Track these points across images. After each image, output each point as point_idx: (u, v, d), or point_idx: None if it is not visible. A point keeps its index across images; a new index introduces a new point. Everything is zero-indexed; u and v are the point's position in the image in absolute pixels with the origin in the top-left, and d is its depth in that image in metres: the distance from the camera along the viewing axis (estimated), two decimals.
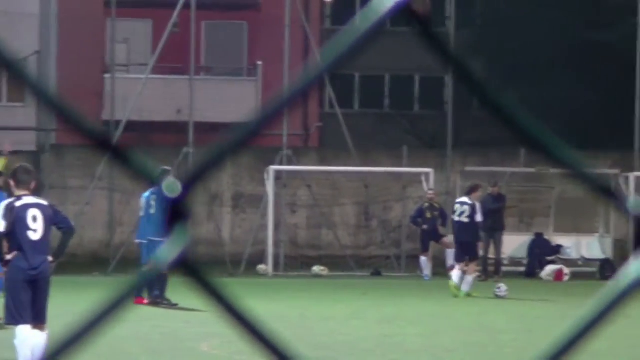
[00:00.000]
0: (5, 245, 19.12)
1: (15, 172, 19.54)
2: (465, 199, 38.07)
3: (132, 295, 1.42)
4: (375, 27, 1.29)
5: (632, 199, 1.21)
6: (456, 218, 37.93)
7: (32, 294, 18.14)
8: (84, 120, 1.28)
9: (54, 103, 1.26)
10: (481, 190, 39.02)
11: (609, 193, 1.23)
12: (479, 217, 37.94)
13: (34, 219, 18.81)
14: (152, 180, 1.32)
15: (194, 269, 1.32)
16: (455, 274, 37.18)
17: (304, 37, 53.39)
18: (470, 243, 37.43)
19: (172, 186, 1.27)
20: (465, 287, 36.31)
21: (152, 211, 31.61)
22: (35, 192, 19.75)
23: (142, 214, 32.99)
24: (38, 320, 18.25)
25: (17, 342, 18.18)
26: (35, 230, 18.81)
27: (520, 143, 1.33)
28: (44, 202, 19.66)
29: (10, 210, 18.96)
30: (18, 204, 18.92)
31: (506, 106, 1.28)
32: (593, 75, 58.26)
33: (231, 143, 1.34)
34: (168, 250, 1.26)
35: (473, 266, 37.13)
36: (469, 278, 36.63)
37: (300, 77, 1.28)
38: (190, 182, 1.28)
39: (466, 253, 37.23)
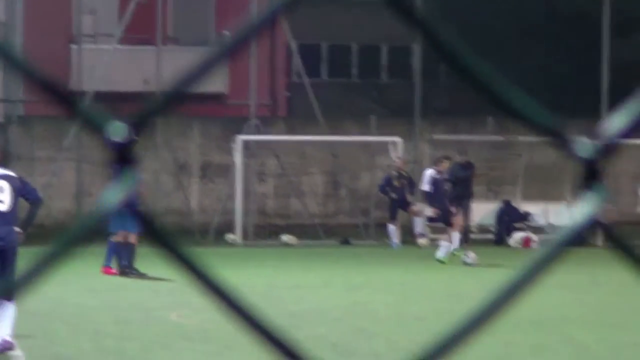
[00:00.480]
0: None
1: None
2: (431, 170, 38.59)
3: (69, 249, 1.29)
4: None
5: (580, 142, 1.15)
6: (426, 187, 38.34)
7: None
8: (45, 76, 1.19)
9: (19, 63, 1.18)
10: (449, 162, 39.32)
11: (559, 138, 1.17)
12: (425, 187, 38.52)
13: (1, 190, 18.87)
14: (100, 129, 1.18)
15: (162, 237, 1.27)
16: (444, 246, 37.48)
17: (270, 5, 53.33)
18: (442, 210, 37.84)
19: (118, 130, 1.23)
20: (453, 247, 36.67)
21: None
22: (2, 164, 19.80)
23: None
24: (5, 297, 18.13)
25: None
26: (2, 202, 18.86)
27: (491, 105, 1.26)
28: (12, 174, 19.71)
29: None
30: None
31: (477, 69, 1.17)
32: (560, 45, 58.46)
33: (173, 90, 1.33)
34: (115, 192, 1.24)
35: (457, 221, 37.55)
36: (445, 244, 36.92)
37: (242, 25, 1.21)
38: (136, 127, 1.15)
39: (444, 221, 37.65)
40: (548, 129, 1.19)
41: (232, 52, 1.44)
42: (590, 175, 1.18)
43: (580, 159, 1.19)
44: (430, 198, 38.75)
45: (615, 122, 1.19)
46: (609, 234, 1.28)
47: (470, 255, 36.22)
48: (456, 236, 37.06)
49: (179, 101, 1.35)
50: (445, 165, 38.96)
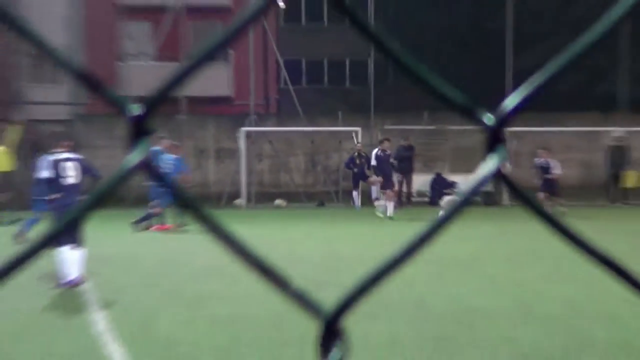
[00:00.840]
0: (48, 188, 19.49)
1: (53, 135, 19.90)
2: (377, 150, 38.71)
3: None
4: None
5: (486, 115, 1.35)
6: (373, 162, 38.57)
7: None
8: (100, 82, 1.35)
9: (81, 72, 1.35)
10: (389, 142, 39.35)
11: (470, 113, 1.37)
12: (373, 162, 38.64)
13: (72, 168, 19.06)
14: (123, 108, 1.32)
15: (190, 201, 1.33)
16: (380, 205, 37.65)
17: (263, 31, 53.41)
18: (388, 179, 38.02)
19: (134, 108, 1.30)
20: (389, 213, 36.62)
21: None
22: (72, 150, 19.88)
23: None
24: (75, 244, 18.37)
25: (59, 259, 18.32)
26: (72, 176, 19.05)
27: (427, 97, 1.41)
28: (79, 156, 20.01)
29: (52, 162, 19.34)
30: (55, 158, 19.17)
31: (415, 68, 1.36)
32: (473, 52, 58.32)
33: (179, 74, 1.36)
34: (132, 158, 1.28)
35: (390, 193, 37.53)
36: (390, 205, 36.97)
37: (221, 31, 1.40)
38: (149, 105, 1.29)
39: (385, 187, 37.75)
40: (465, 107, 1.32)
41: (209, 56, 1.41)
42: (494, 140, 1.33)
43: (486, 127, 1.33)
44: (375, 170, 38.75)
45: (510, 101, 1.34)
46: (508, 182, 1.37)
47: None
48: (391, 205, 37.05)
49: (175, 89, 1.36)
50: (386, 144, 38.95)
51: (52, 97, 54.65)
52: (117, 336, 13.61)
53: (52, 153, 19.66)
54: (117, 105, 1.33)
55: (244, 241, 1.40)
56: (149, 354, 12.54)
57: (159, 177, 1.36)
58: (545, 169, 38.21)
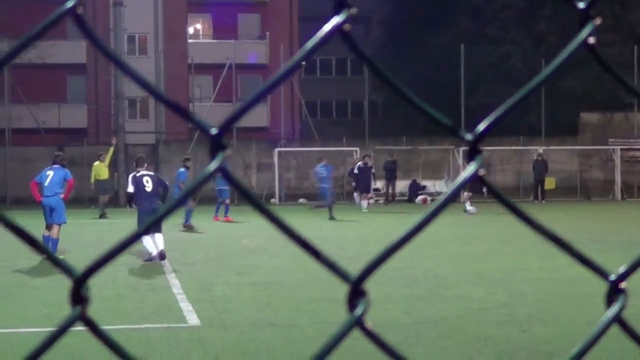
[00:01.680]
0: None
1: (137, 159, 20.59)
2: (360, 162, 39.51)
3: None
4: (317, 45, 1.27)
5: (466, 133, 1.26)
6: (355, 171, 39.37)
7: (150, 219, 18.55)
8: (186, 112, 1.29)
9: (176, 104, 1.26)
10: (369, 157, 40.53)
11: (455, 132, 1.26)
12: (356, 171, 40.22)
13: (147, 181, 19.40)
14: (205, 130, 1.30)
15: (253, 197, 1.34)
16: (363, 203, 38.10)
17: (290, 80, 53.44)
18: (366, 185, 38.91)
19: (213, 130, 1.27)
20: (364, 208, 37.11)
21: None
22: (148, 169, 20.25)
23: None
24: (157, 231, 18.50)
25: (144, 242, 18.42)
26: (148, 186, 19.29)
27: (423, 118, 1.37)
28: (152, 173, 20.32)
29: (134, 178, 19.60)
30: (138, 175, 19.52)
31: (401, 88, 1.27)
32: (435, 96, 58.16)
33: (247, 104, 1.33)
34: (212, 166, 1.25)
35: (366, 195, 38.29)
36: (365, 203, 37.74)
37: (279, 72, 1.29)
38: (223, 127, 1.26)
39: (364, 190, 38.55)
40: (450, 127, 1.27)
41: (269, 90, 1.32)
42: (473, 151, 1.26)
43: (467, 141, 1.27)
44: (357, 177, 39.78)
45: (482, 124, 1.28)
46: (485, 183, 1.30)
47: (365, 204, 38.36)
48: (365, 202, 38.06)
49: (247, 110, 1.35)
50: (367, 159, 40.44)
51: (142, 128, 54.83)
52: (187, 296, 13.64)
53: (137, 171, 19.88)
54: (200, 127, 1.31)
55: (290, 224, 1.37)
56: (209, 309, 12.48)
57: (230, 180, 1.36)
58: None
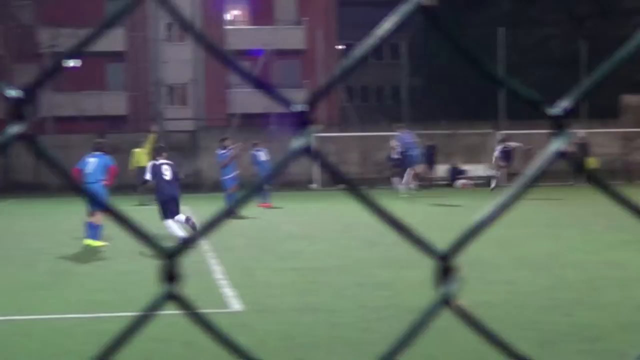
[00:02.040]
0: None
1: (157, 148, 21.89)
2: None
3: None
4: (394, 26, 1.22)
5: (550, 107, 1.20)
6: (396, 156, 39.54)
7: (170, 205, 19.61)
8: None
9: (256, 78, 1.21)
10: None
11: (535, 103, 1.21)
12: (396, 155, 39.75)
13: (167, 169, 20.04)
14: (288, 104, 1.23)
15: (348, 180, 1.30)
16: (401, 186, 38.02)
17: (328, 65, 53.44)
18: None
19: (298, 105, 1.19)
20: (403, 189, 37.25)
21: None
22: (167, 158, 20.81)
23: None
24: (175, 216, 18.84)
25: (168, 225, 19.40)
26: (167, 175, 19.92)
27: (502, 92, 1.30)
28: (171, 162, 20.66)
29: (153, 167, 20.36)
30: (158, 163, 20.38)
31: (482, 61, 1.21)
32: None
33: (330, 81, 1.24)
34: (297, 143, 1.19)
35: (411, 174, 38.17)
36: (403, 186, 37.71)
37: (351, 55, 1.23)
38: (311, 102, 1.18)
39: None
40: (533, 100, 1.22)
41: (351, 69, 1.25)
42: (558, 126, 1.21)
43: (552, 116, 1.21)
44: (399, 161, 39.76)
45: (570, 96, 1.22)
46: (572, 161, 1.25)
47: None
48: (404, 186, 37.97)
49: (333, 86, 1.27)
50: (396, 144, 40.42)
51: (181, 115, 55.05)
52: (229, 281, 13.67)
53: (157, 160, 20.63)
54: (284, 102, 1.25)
55: (382, 205, 1.34)
56: (251, 294, 12.49)
57: (318, 158, 1.29)
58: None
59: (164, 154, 20.86)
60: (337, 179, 1.29)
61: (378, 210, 1.19)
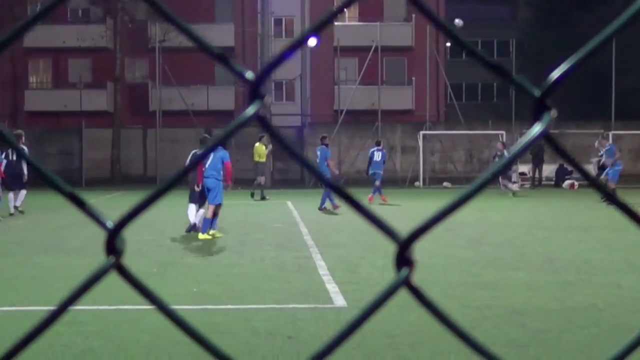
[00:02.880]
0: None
1: (202, 139, 22.26)
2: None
3: None
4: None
5: (534, 87, 1.21)
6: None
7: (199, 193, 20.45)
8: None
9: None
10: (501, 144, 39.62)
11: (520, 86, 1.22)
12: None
13: (207, 159, 20.12)
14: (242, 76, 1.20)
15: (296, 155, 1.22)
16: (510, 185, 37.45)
17: (436, 63, 53.17)
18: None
19: (250, 74, 1.18)
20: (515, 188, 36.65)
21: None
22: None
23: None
24: (200, 204, 20.63)
25: (189, 212, 20.87)
26: (206, 165, 20.14)
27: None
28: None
29: (194, 155, 20.53)
30: (199, 153, 20.48)
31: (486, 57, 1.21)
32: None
33: (281, 54, 1.20)
34: (249, 110, 1.17)
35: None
36: (514, 186, 37.04)
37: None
38: (262, 73, 1.17)
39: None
40: (516, 82, 1.21)
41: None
42: (540, 108, 1.20)
43: (534, 97, 1.20)
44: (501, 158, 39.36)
45: (553, 75, 1.21)
46: (553, 143, 1.23)
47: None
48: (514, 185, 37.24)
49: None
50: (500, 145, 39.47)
51: (288, 110, 55.48)
52: (333, 277, 13.74)
53: (200, 149, 21.21)
54: (237, 73, 1.23)
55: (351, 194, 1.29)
56: (355, 291, 12.54)
57: (265, 125, 1.22)
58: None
59: (205, 143, 21.39)
60: (290, 153, 1.23)
61: (344, 195, 1.21)
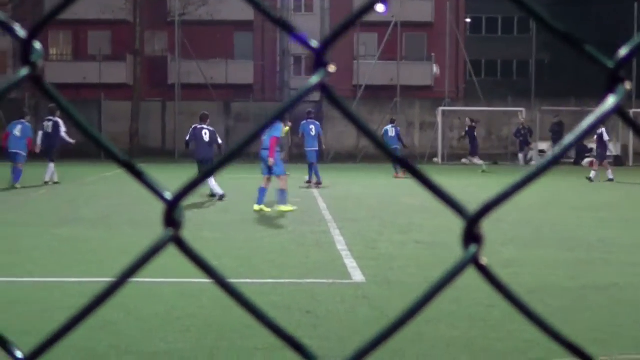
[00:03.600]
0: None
1: (202, 115, 23.77)
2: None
3: None
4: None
5: (607, 59, 1.12)
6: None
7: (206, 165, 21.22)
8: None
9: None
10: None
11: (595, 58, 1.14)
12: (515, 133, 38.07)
13: (205, 133, 23.04)
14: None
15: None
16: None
17: (455, 39, 52.91)
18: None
19: (316, 44, 1.12)
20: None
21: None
22: (206, 123, 23.55)
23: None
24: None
25: (212, 184, 22.56)
26: (205, 137, 22.99)
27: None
28: (210, 128, 23.44)
29: (194, 129, 23.27)
30: (199, 127, 23.20)
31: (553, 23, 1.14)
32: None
33: (347, 22, 1.14)
34: (313, 79, 1.10)
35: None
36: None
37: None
38: (326, 42, 1.11)
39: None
40: (590, 54, 1.13)
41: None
42: (614, 80, 1.13)
43: (608, 68, 1.13)
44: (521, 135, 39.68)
45: (625, 47, 1.14)
46: (626, 118, 1.16)
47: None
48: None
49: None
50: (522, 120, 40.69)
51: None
52: (352, 253, 13.72)
53: (199, 124, 23.32)
54: (304, 42, 1.15)
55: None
56: (374, 266, 12.50)
57: (330, 95, 1.14)
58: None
59: (207, 121, 23.47)
60: (357, 126, 1.17)
61: (411, 169, 1.14)
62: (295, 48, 55.61)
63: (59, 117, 28.26)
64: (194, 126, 23.28)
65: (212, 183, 22.29)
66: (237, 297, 1.20)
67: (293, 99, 1.16)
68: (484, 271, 1.18)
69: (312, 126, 28.66)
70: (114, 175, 31.58)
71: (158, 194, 1.16)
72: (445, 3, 52.38)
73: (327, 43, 1.14)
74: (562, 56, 59.55)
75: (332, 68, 1.13)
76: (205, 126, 23.16)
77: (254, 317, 1.24)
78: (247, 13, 55.98)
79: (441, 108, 47.30)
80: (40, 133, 28.40)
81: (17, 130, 27.13)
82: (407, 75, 52.94)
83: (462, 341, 8.32)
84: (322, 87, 1.13)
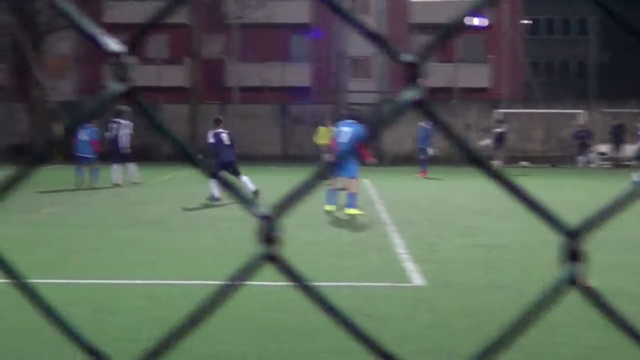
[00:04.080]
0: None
1: (215, 120, 24.09)
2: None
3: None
4: None
5: None
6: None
7: (230, 167, 23.07)
8: None
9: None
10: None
11: None
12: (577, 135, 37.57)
13: (226, 137, 23.50)
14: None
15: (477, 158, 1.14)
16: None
17: (512, 42, 52.53)
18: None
19: (408, 57, 1.08)
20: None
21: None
22: (221, 127, 23.72)
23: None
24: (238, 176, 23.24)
25: (242, 181, 23.12)
26: (226, 139, 23.47)
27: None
28: (227, 131, 23.84)
29: (215, 134, 23.57)
30: (217, 131, 23.56)
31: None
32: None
33: (447, 31, 1.11)
34: (407, 95, 1.09)
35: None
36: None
37: None
38: (422, 56, 1.07)
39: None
40: None
41: None
42: None
43: None
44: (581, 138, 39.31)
45: None
46: None
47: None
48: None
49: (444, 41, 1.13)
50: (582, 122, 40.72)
51: (364, 87, 55.21)
52: (411, 256, 13.63)
53: (216, 129, 23.64)
54: (394, 53, 1.11)
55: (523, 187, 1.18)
56: (434, 270, 12.40)
57: (430, 113, 1.13)
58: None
59: (221, 124, 23.77)
60: (456, 144, 1.13)
61: (507, 184, 1.08)
62: (352, 50, 55.48)
63: (124, 120, 28.84)
64: (212, 131, 23.64)
65: (212, 184, 22.47)
66: (323, 304, 1.16)
67: (387, 113, 1.13)
68: (588, 293, 1.11)
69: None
70: (173, 178, 31.78)
71: (249, 207, 1.12)
72: (503, 6, 52.03)
73: (424, 57, 1.09)
74: (621, 57, 58.91)
75: (423, 82, 1.09)
76: (221, 130, 23.61)
77: (344, 326, 1.20)
78: (304, 15, 56.08)
79: (498, 110, 47.06)
80: (106, 134, 29.11)
81: (83, 135, 27.74)
82: (464, 77, 52.62)
83: (530, 348, 8.20)
84: (419, 104, 1.09)
